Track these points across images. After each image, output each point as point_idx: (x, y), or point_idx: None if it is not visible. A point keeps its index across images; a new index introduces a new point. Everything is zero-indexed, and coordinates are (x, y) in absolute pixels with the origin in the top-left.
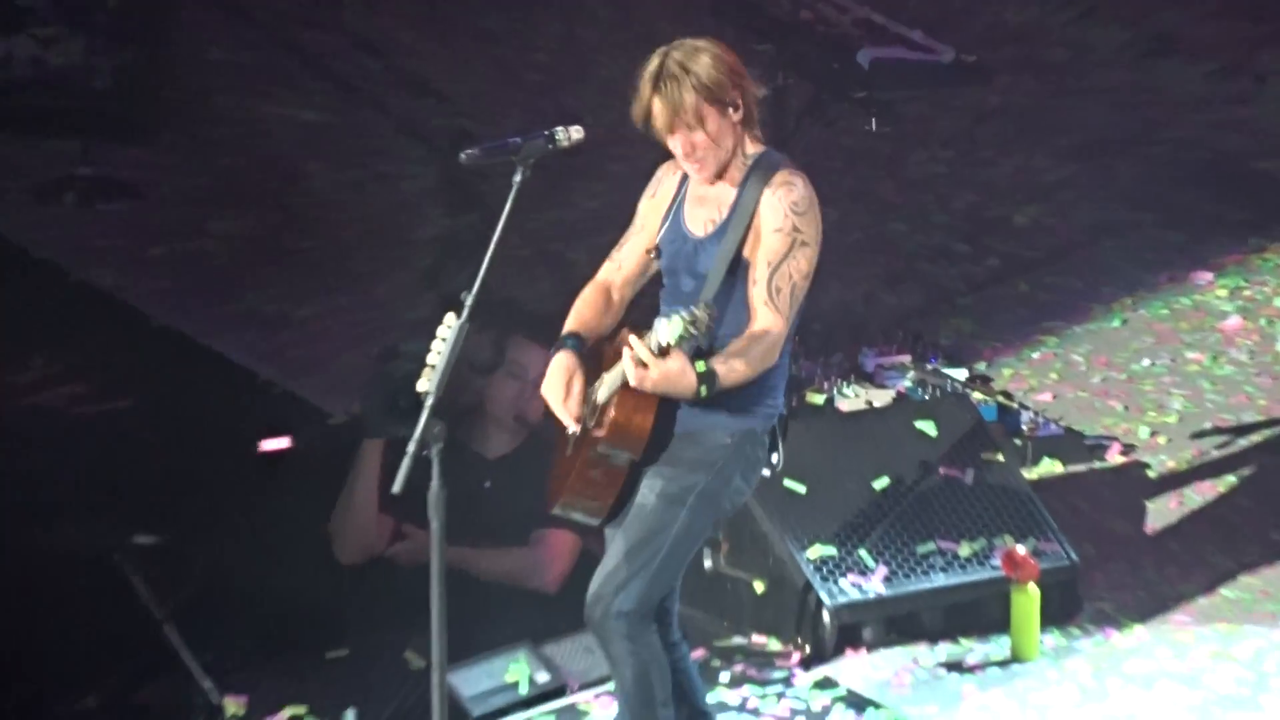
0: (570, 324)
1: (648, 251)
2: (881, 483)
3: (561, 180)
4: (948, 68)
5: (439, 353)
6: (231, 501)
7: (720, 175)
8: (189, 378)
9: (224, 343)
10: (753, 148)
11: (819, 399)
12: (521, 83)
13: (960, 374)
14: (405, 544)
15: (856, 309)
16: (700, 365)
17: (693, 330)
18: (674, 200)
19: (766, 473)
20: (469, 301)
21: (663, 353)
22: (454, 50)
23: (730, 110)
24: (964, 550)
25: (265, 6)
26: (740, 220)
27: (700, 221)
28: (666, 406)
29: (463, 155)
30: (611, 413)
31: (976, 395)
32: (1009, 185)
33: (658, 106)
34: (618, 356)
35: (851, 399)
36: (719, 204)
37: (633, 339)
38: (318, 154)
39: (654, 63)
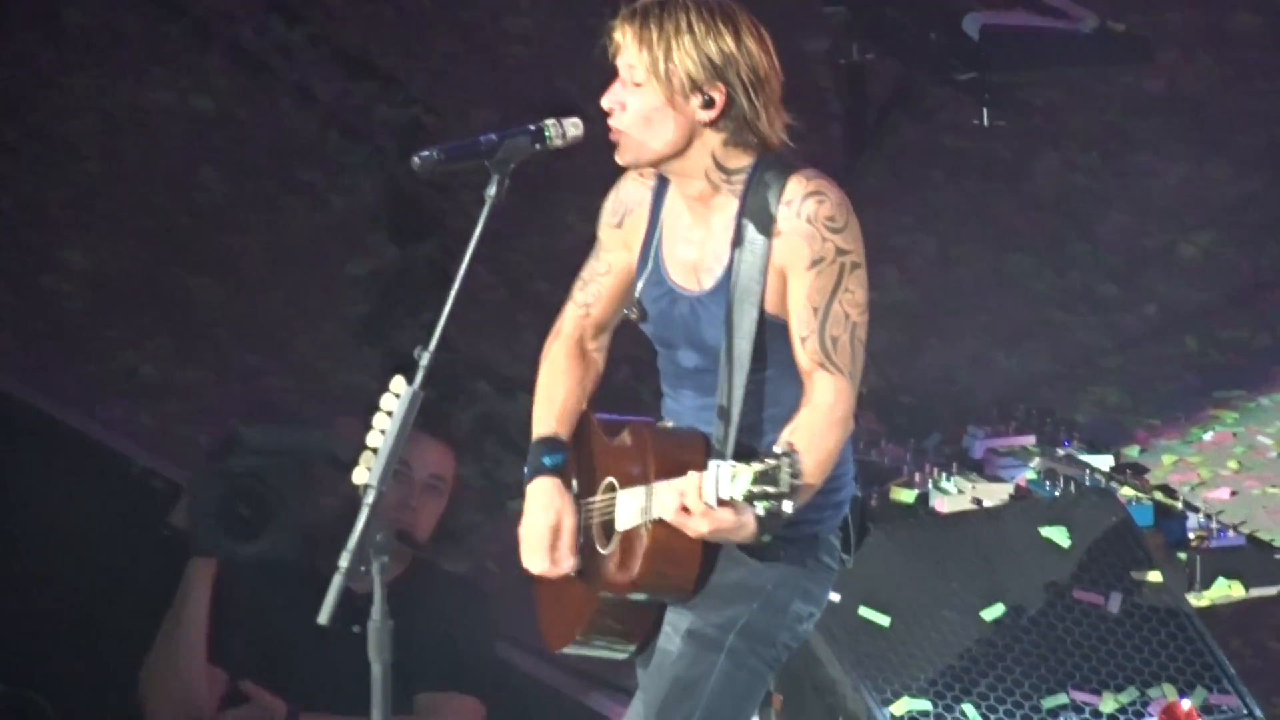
0: (542, 422)
1: (627, 310)
2: (994, 612)
3: (551, 194)
4: (1089, 40)
5: (382, 431)
6: (83, 639)
7: (697, 196)
8: (34, 466)
9: (83, 417)
10: (740, 159)
11: (909, 496)
12: (498, 59)
13: (1104, 462)
14: (242, 710)
15: (961, 375)
16: (764, 504)
17: (767, 489)
18: (648, 233)
19: (835, 597)
20: (424, 361)
21: (726, 504)
22: (405, 13)
23: (688, 102)
24: (1108, 705)
25: None
26: (752, 265)
27: (688, 269)
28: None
29: (417, 159)
30: (640, 557)
31: (1126, 491)
32: (1174, 203)
33: (617, 29)
34: (632, 457)
35: (954, 496)
36: (712, 243)
37: (678, 486)
38: (214, 157)
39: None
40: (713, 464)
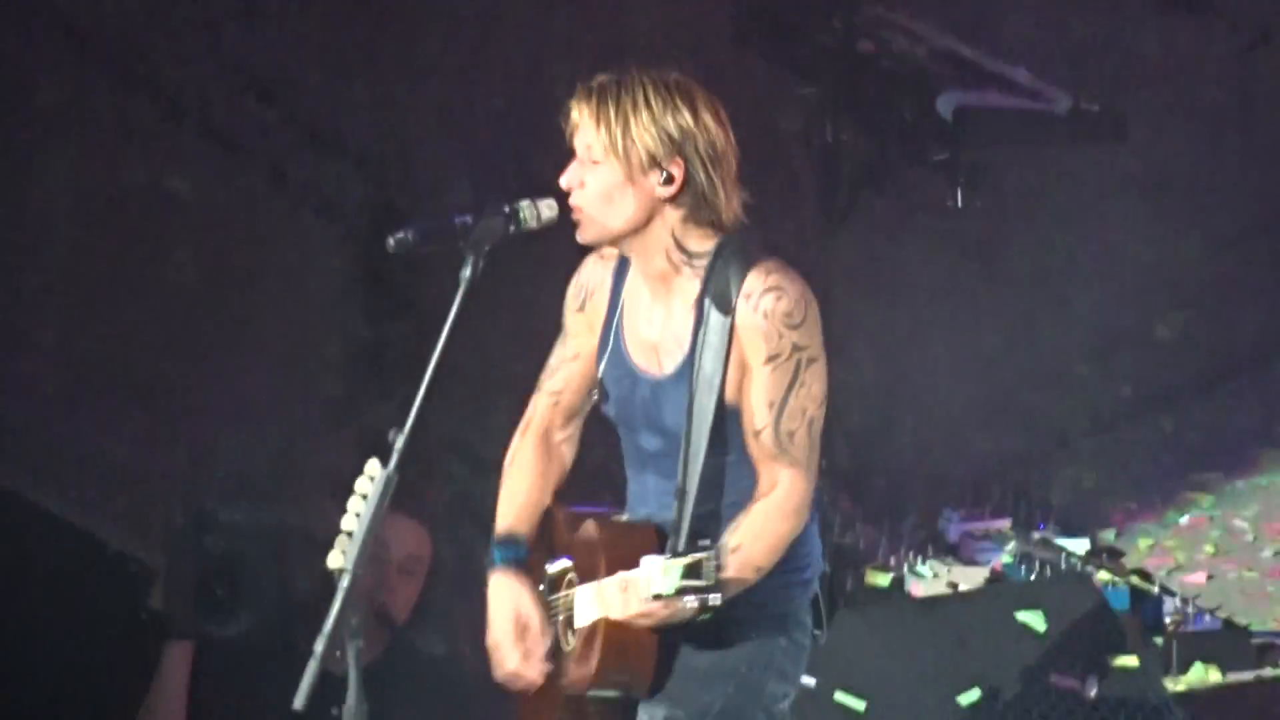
0: (504, 519)
1: (591, 392)
2: (970, 697)
3: (525, 274)
4: (1064, 119)
5: (357, 514)
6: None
7: (658, 275)
8: (7, 548)
9: (56, 498)
10: (703, 241)
11: (884, 580)
12: (472, 138)
13: (1080, 545)
14: None
15: (936, 456)
16: (704, 582)
17: (693, 582)
18: (609, 313)
19: (811, 681)
20: (399, 444)
21: (658, 598)
22: (378, 93)
23: (647, 178)
24: None
25: (112, 30)
26: (715, 351)
27: (649, 351)
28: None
29: (391, 240)
30: (596, 652)
31: (1102, 575)
32: (1148, 282)
33: (574, 108)
34: (587, 551)
35: (929, 580)
36: (672, 324)
37: (621, 583)
38: (188, 237)
39: (616, 75)
40: (645, 560)
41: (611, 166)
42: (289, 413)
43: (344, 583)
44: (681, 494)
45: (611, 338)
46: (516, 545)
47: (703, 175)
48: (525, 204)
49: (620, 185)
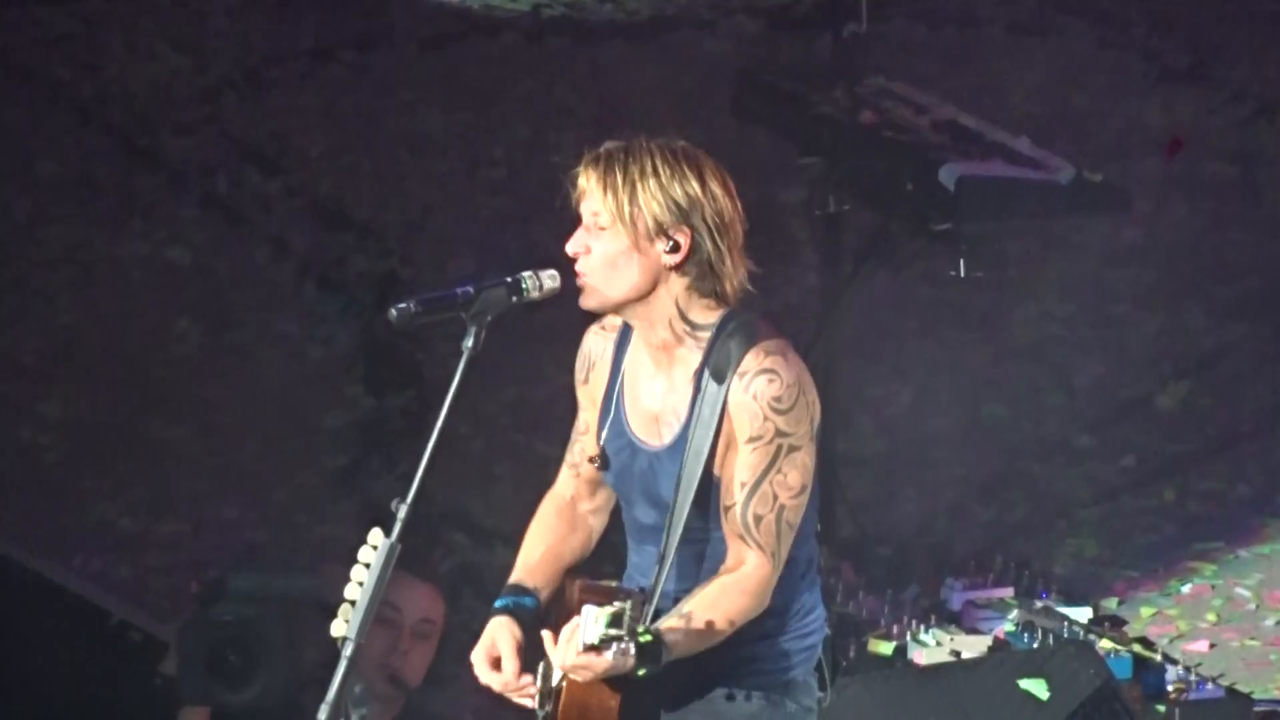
0: (514, 573)
1: (591, 460)
2: None
3: (528, 345)
4: (1066, 189)
5: (360, 584)
6: None
7: (660, 345)
8: (9, 619)
9: (59, 570)
10: (712, 314)
11: (887, 648)
12: (474, 209)
13: (1082, 614)
14: None
15: (938, 525)
16: (644, 637)
17: (614, 631)
18: (609, 382)
19: None
20: (401, 513)
21: (591, 649)
22: (380, 165)
23: (653, 245)
24: None
25: (114, 101)
26: (706, 423)
27: (650, 422)
28: (672, 664)
29: (393, 311)
30: (559, 711)
31: (1105, 644)
32: (1151, 353)
33: (581, 175)
34: (568, 613)
35: (932, 648)
36: (673, 396)
37: (547, 637)
38: (190, 308)
39: (623, 142)
40: (584, 610)
41: (617, 233)
42: (292, 483)
43: (347, 651)
44: (661, 559)
45: (612, 408)
46: (519, 594)
47: (709, 244)
48: (528, 275)
49: (626, 252)
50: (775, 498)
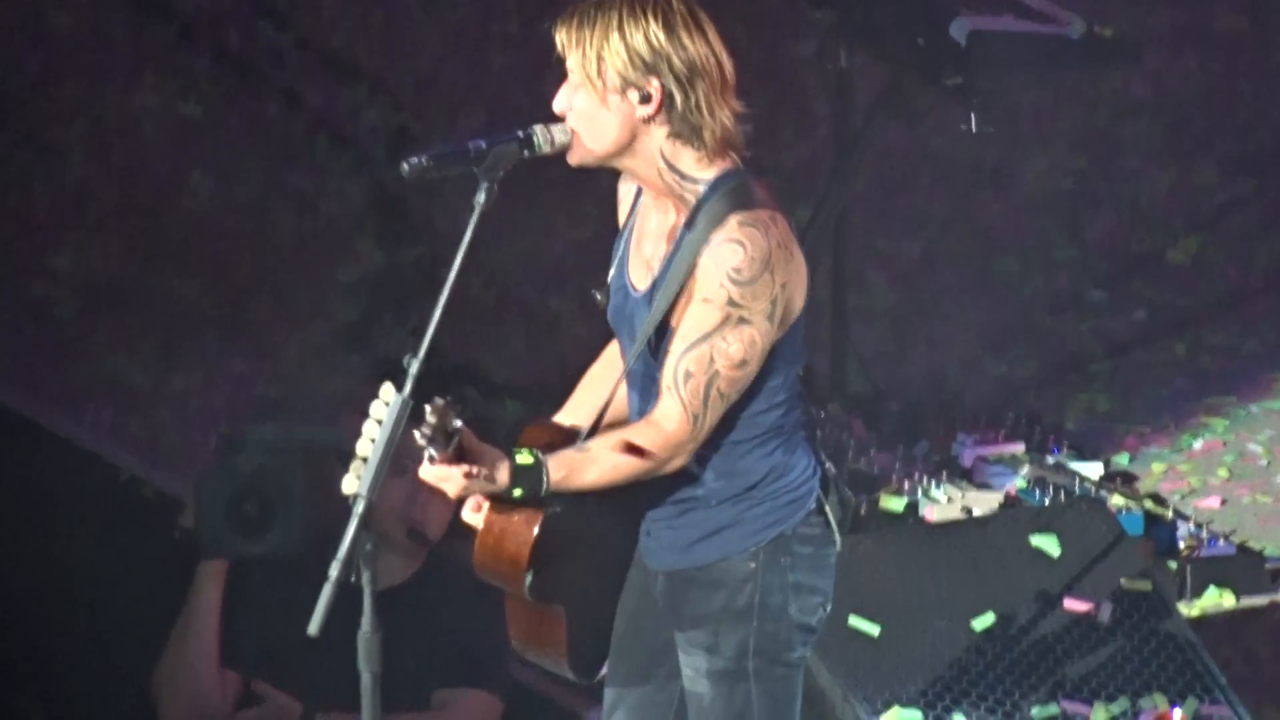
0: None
1: (593, 292)
2: (984, 621)
3: (540, 200)
4: (1077, 44)
5: (372, 439)
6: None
7: (657, 193)
8: (21, 471)
9: (70, 424)
10: (706, 168)
11: (898, 504)
12: (486, 63)
13: (1093, 470)
14: (257, 711)
15: (950, 380)
16: (522, 455)
17: (426, 434)
18: (624, 225)
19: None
20: (413, 369)
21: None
22: (392, 18)
23: (624, 99)
24: (1099, 715)
25: None
26: (676, 273)
27: (641, 267)
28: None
29: (405, 165)
30: (478, 534)
31: (1116, 500)
32: (1162, 208)
33: (558, 32)
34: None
35: (943, 504)
36: (659, 245)
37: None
38: (202, 162)
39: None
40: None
41: (588, 89)
42: (304, 337)
43: (358, 508)
44: (609, 401)
45: (620, 251)
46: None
47: (680, 94)
48: (539, 128)
49: (598, 107)
50: (711, 361)
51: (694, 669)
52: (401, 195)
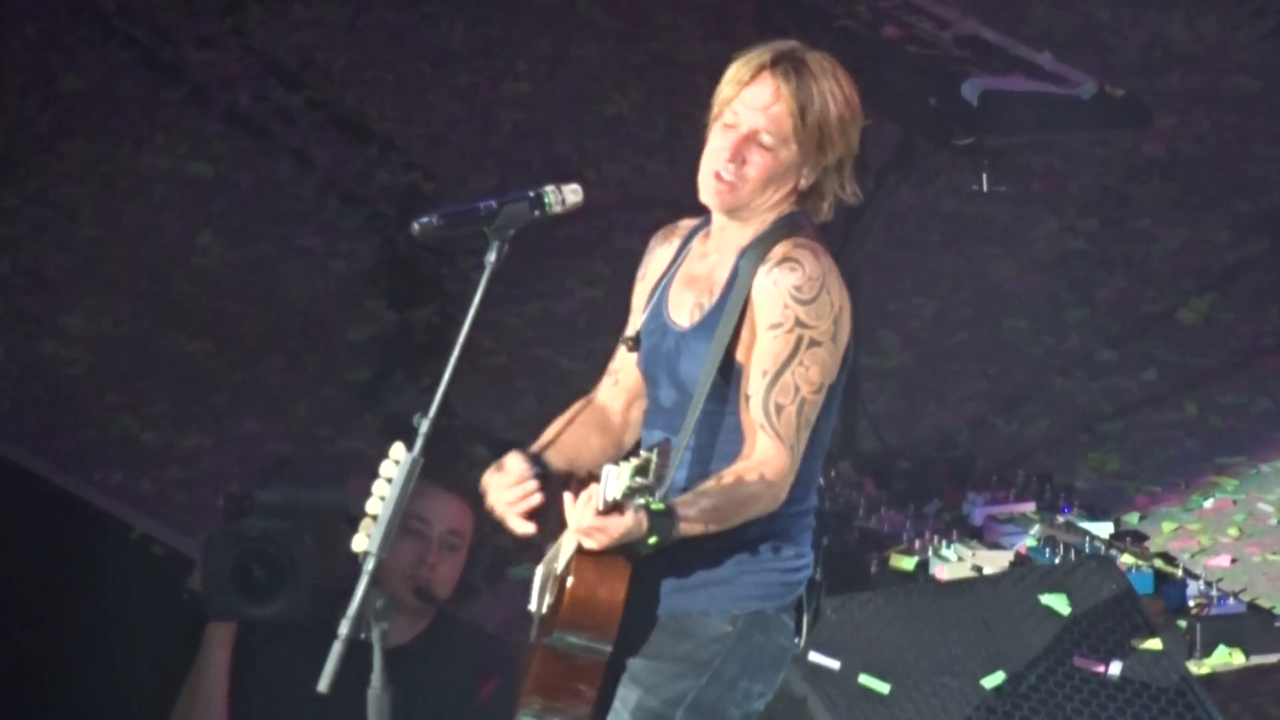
0: (537, 443)
1: (623, 341)
2: (995, 680)
3: (550, 259)
4: (1088, 105)
5: (381, 498)
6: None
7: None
8: (31, 529)
9: (82, 483)
10: (777, 211)
11: (908, 563)
12: (497, 123)
13: (1104, 529)
14: None
15: (960, 440)
16: (655, 503)
17: (641, 480)
18: (663, 276)
19: (835, 665)
20: (424, 428)
21: (613, 507)
22: (403, 78)
23: (811, 168)
24: None
25: (137, 15)
26: (734, 307)
27: (686, 306)
28: (645, 574)
29: (415, 225)
30: (569, 587)
31: (1126, 559)
32: (1173, 268)
33: (765, 76)
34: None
35: (953, 563)
36: (711, 283)
37: (567, 497)
38: (212, 222)
39: (786, 44)
40: (604, 470)
41: (790, 154)
42: (315, 397)
43: (368, 565)
44: (680, 434)
45: (657, 296)
46: (533, 458)
47: (838, 173)
48: (550, 189)
49: (787, 173)
50: (797, 390)
51: (623, 701)
52: (412, 255)
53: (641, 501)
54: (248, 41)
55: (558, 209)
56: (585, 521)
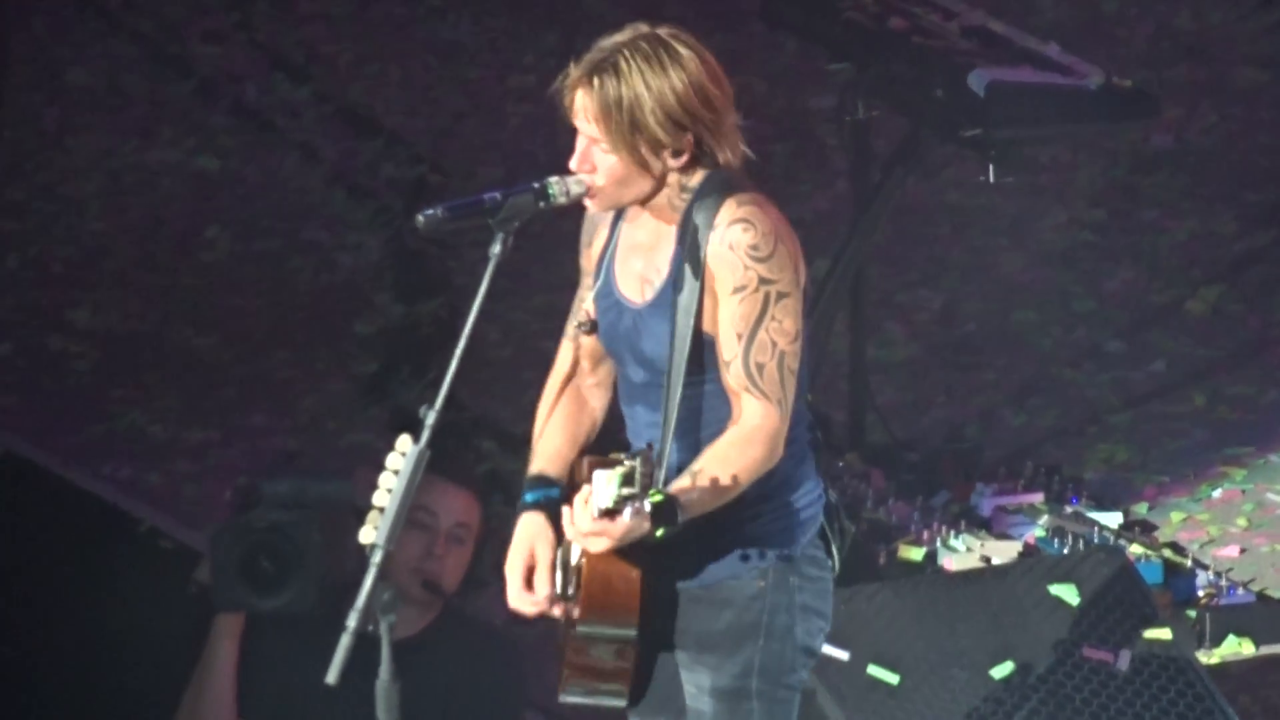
0: (535, 462)
1: (578, 325)
2: (1003, 670)
3: (556, 251)
4: (1096, 96)
5: (388, 491)
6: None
7: (642, 203)
8: (40, 526)
9: (89, 477)
10: (695, 176)
11: (917, 554)
12: (502, 116)
13: (1113, 520)
14: None
15: (968, 432)
16: (655, 495)
17: (628, 490)
18: (605, 243)
19: (844, 655)
20: (430, 420)
21: (607, 514)
22: (410, 72)
23: (659, 154)
24: None
25: (144, 9)
26: (688, 279)
27: (634, 279)
28: (666, 549)
29: (421, 217)
30: (584, 581)
31: (1135, 549)
32: (1181, 259)
33: (578, 96)
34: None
35: (962, 554)
36: (656, 254)
37: (565, 512)
38: (220, 216)
39: (613, 40)
40: (595, 476)
41: (622, 156)
42: (322, 390)
43: (375, 558)
44: (664, 421)
45: (604, 268)
46: (547, 486)
47: (710, 139)
48: (555, 180)
49: (631, 170)
50: (774, 344)
51: (697, 686)
52: (419, 248)
53: (626, 493)
54: (254, 35)
55: (563, 200)
56: (585, 527)
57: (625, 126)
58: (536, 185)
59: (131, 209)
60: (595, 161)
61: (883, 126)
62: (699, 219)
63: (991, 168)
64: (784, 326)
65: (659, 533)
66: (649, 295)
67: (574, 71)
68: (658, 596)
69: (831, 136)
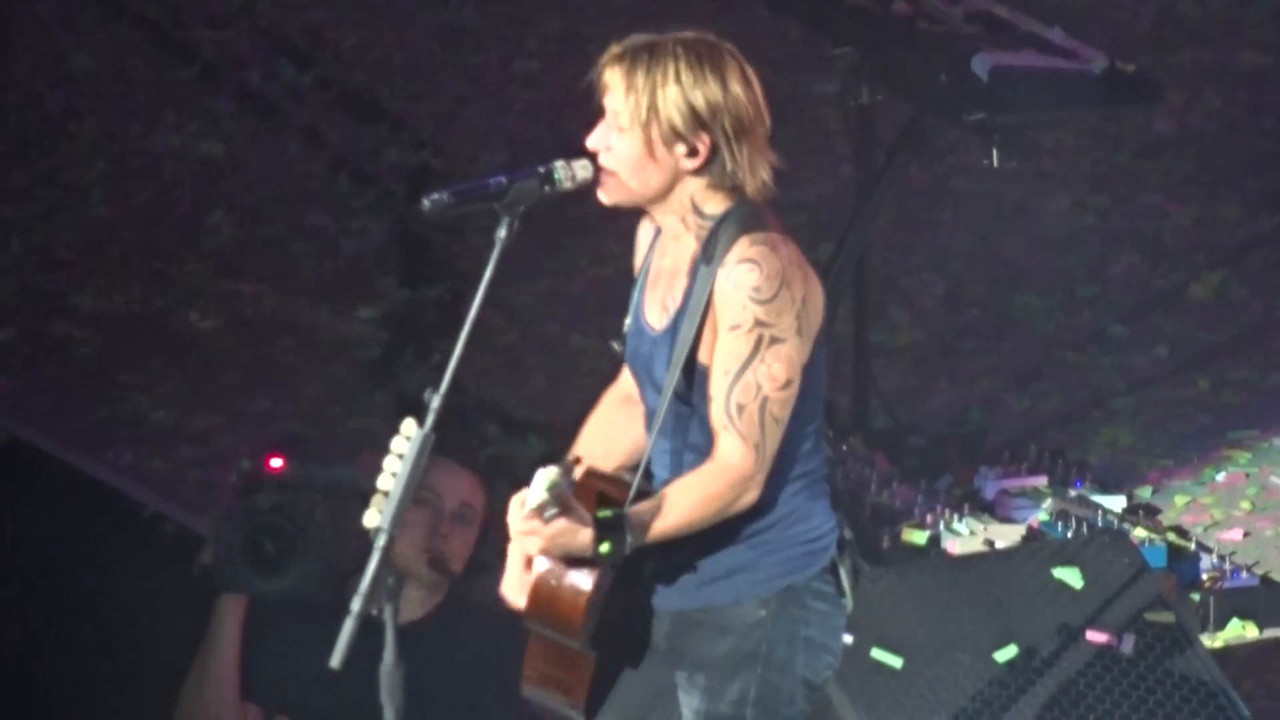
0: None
1: (611, 344)
2: (1007, 654)
3: (561, 236)
4: (1099, 80)
5: (393, 474)
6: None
7: (673, 235)
8: (42, 508)
9: (93, 462)
10: (718, 204)
11: (920, 538)
12: (507, 102)
13: (1116, 504)
14: None
15: (972, 415)
16: (603, 512)
17: (550, 495)
18: (640, 270)
19: (848, 639)
20: (434, 404)
21: (534, 514)
22: (413, 57)
23: (671, 151)
24: None
25: None
26: (695, 309)
27: (657, 306)
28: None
29: (426, 202)
30: (533, 580)
31: (1139, 532)
32: (1184, 244)
33: (605, 71)
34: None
35: (966, 538)
36: (674, 281)
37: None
38: (224, 201)
39: (649, 38)
40: (535, 474)
41: (635, 136)
42: (326, 375)
43: (380, 542)
44: (652, 446)
45: (636, 294)
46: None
47: (728, 149)
48: (560, 164)
49: (642, 155)
50: (759, 388)
51: (692, 710)
52: (423, 233)
53: (550, 497)
54: (258, 20)
55: (568, 185)
56: (516, 526)
57: (644, 104)
58: (542, 170)
59: (135, 194)
60: (611, 140)
61: (886, 111)
62: (715, 251)
63: (995, 152)
64: (773, 372)
65: (603, 548)
66: (664, 323)
67: (615, 47)
68: (638, 617)
69: (835, 121)
